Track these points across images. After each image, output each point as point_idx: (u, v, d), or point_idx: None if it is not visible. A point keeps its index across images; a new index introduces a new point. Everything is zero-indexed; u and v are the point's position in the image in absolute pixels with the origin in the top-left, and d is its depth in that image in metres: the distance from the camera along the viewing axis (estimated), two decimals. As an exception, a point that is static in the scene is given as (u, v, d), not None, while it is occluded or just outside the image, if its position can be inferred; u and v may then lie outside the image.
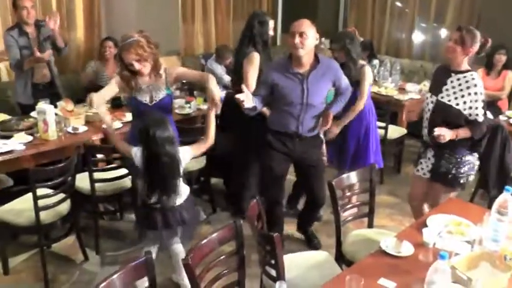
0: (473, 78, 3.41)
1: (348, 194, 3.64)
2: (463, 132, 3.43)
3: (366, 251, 2.90)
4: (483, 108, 3.46)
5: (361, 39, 6.17)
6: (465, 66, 3.48)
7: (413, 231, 2.90)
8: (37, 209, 3.54)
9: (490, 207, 2.80)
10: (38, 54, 4.71)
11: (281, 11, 8.84)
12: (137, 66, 3.40)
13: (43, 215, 3.60)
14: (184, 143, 3.43)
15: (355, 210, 3.69)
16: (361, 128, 4.47)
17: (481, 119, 3.44)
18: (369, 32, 8.11)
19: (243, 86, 3.59)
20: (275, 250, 2.62)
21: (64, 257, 4.12)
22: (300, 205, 4.68)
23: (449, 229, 2.86)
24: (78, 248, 4.07)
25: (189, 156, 3.32)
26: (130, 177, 4.13)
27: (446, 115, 3.43)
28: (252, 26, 4.36)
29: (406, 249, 2.67)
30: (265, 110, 3.96)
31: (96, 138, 4.35)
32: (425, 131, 3.65)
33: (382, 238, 2.86)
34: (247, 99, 3.47)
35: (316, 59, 3.70)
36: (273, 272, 2.73)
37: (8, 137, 4.07)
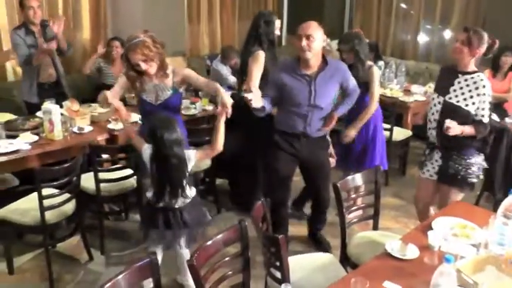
0: (481, 79, 3.40)
1: (353, 195, 3.63)
2: (469, 130, 3.41)
3: (371, 254, 2.90)
4: (489, 109, 3.46)
5: (367, 40, 6.16)
6: (472, 67, 3.48)
7: (419, 233, 2.90)
8: (42, 209, 3.54)
9: (495, 210, 2.79)
10: (44, 45, 4.74)
11: (286, 11, 8.84)
12: (144, 66, 3.40)
13: (48, 214, 3.60)
14: (190, 143, 3.43)
15: (360, 212, 3.68)
16: (369, 129, 4.46)
17: (486, 120, 3.44)
18: (375, 33, 8.11)
19: (250, 85, 3.58)
20: (280, 252, 2.62)
21: (69, 256, 4.12)
22: (306, 208, 4.68)
23: (454, 232, 2.86)
24: (83, 248, 4.08)
25: (193, 160, 3.32)
26: (135, 177, 4.14)
27: (455, 116, 3.41)
28: (258, 26, 4.36)
29: (411, 252, 2.67)
30: (274, 111, 3.96)
31: (101, 138, 4.35)
32: (432, 132, 3.63)
33: (387, 240, 2.85)
34: (256, 98, 3.47)
35: (324, 61, 3.70)
36: (278, 274, 2.73)
37: (14, 137, 4.08)
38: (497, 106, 5.30)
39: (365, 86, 4.23)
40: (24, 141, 4.00)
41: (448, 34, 7.48)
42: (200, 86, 3.69)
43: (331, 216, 4.38)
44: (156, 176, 3.22)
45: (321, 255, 3.33)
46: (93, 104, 4.91)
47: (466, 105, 3.42)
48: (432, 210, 3.85)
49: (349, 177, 3.41)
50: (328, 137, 4.06)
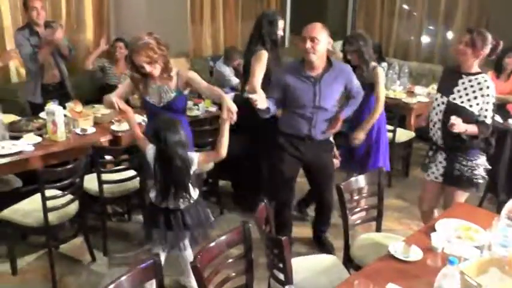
0: (485, 80, 3.40)
1: (356, 197, 3.63)
2: (472, 129, 3.40)
3: (374, 255, 2.89)
4: (493, 110, 3.45)
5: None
6: (476, 68, 3.47)
7: (422, 235, 2.89)
8: (45, 210, 3.55)
9: (499, 211, 2.79)
10: (48, 37, 4.80)
11: (289, 12, 8.84)
12: (148, 68, 3.41)
13: (51, 215, 3.61)
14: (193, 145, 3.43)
15: (363, 213, 3.68)
16: (373, 131, 4.45)
17: (489, 121, 3.44)
18: (377, 34, 8.10)
19: (253, 83, 3.56)
20: (283, 253, 2.62)
21: (72, 258, 4.12)
22: (309, 210, 4.68)
23: (458, 234, 2.85)
24: (86, 249, 4.08)
25: (196, 163, 3.30)
26: (138, 178, 4.15)
27: (459, 116, 3.40)
28: (261, 26, 4.36)
29: (415, 253, 2.66)
30: (279, 113, 3.95)
31: (104, 139, 4.36)
32: (437, 132, 3.62)
33: (390, 242, 2.85)
34: (261, 99, 3.46)
35: (329, 62, 3.69)
36: (281, 276, 2.73)
37: (18, 138, 4.09)
38: (501, 107, 5.29)
39: (370, 87, 4.23)
40: (27, 142, 4.01)
41: (451, 35, 7.47)
42: (203, 91, 3.64)
43: (334, 217, 4.38)
44: (159, 177, 3.22)
45: (324, 257, 3.33)
46: (96, 105, 4.93)
47: (470, 105, 3.41)
48: (436, 212, 3.84)
49: (352, 179, 3.41)
50: (331, 139, 4.06)
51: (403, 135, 5.66)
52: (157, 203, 3.27)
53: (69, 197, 3.73)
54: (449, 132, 3.42)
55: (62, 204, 3.66)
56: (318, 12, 8.57)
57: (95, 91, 5.68)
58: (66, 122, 4.25)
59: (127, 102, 4.88)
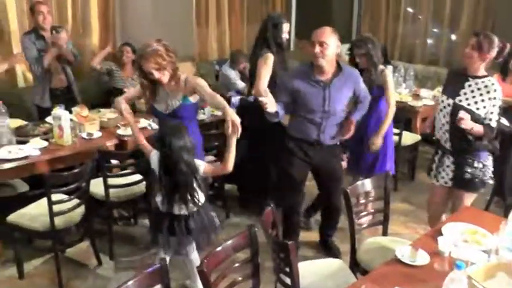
0: (492, 84, 3.40)
1: (363, 201, 3.62)
2: (478, 128, 3.39)
3: (381, 259, 2.89)
4: (498, 114, 3.44)
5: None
6: (482, 71, 3.47)
7: (429, 239, 2.88)
8: (52, 214, 3.56)
9: (506, 215, 2.78)
10: (54, 39, 4.85)
11: (295, 16, 8.84)
12: (156, 75, 3.41)
13: (58, 220, 3.62)
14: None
15: (369, 217, 3.68)
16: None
17: (494, 124, 3.43)
18: (383, 37, 8.09)
19: (259, 86, 3.54)
20: (289, 258, 2.61)
21: (78, 262, 4.13)
22: (314, 219, 4.67)
23: (465, 238, 2.84)
24: (92, 253, 4.08)
25: (201, 172, 3.29)
26: (144, 182, 4.15)
27: None
28: (266, 29, 4.37)
29: (422, 258, 2.65)
30: (285, 120, 3.95)
31: (110, 144, 4.37)
32: (444, 136, 3.61)
33: (396, 246, 2.85)
34: (270, 103, 3.46)
35: (339, 67, 3.69)
36: (288, 280, 2.72)
37: (24, 142, 4.10)
38: (507, 110, 5.26)
39: (378, 89, 4.23)
40: (34, 147, 4.02)
41: (456, 38, 7.45)
42: (207, 99, 3.58)
43: (341, 221, 4.37)
44: (164, 182, 3.22)
45: (331, 261, 3.32)
46: (102, 110, 4.94)
47: (477, 108, 3.41)
48: (444, 217, 3.83)
49: (359, 183, 3.41)
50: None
51: (409, 138, 5.64)
52: (162, 209, 3.27)
53: (76, 201, 3.74)
54: (456, 134, 3.42)
55: (68, 209, 3.67)
56: (323, 16, 8.56)
57: (101, 95, 5.70)
58: (73, 126, 4.26)
59: (133, 106, 4.93)
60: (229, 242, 2.61)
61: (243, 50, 7.22)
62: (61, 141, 4.15)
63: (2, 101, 4.24)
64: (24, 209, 3.83)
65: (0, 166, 3.78)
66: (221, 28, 7.75)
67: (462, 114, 3.32)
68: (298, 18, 8.80)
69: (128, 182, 4.10)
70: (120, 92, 5.16)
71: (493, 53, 3.40)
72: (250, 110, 4.49)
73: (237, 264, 2.68)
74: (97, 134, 4.44)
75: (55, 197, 3.57)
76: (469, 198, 3.64)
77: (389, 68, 6.44)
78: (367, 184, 3.42)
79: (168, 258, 3.33)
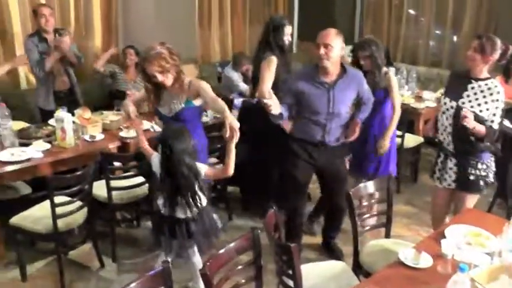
0: (495, 86, 3.40)
1: (365, 203, 3.61)
2: (480, 128, 3.37)
3: (384, 262, 2.89)
4: (500, 116, 3.44)
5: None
6: (485, 73, 3.46)
7: (432, 242, 2.88)
8: (54, 217, 3.56)
9: (508, 217, 2.79)
10: (56, 42, 4.86)
11: (297, 18, 8.84)
12: (160, 77, 3.43)
13: (60, 222, 3.62)
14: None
15: (372, 219, 3.67)
16: None
17: (495, 126, 3.43)
18: (385, 39, 8.07)
19: (262, 89, 3.54)
20: (292, 260, 2.62)
21: (81, 264, 4.13)
22: (317, 224, 4.67)
23: (468, 240, 2.84)
24: (95, 256, 4.08)
25: (202, 175, 3.29)
26: (147, 184, 4.15)
27: None
28: (267, 32, 4.37)
29: (425, 260, 2.65)
30: (285, 124, 3.96)
31: (113, 146, 4.38)
32: (448, 138, 3.60)
33: (399, 249, 2.85)
34: (275, 105, 3.47)
35: (343, 68, 3.70)
36: (290, 283, 2.72)
37: (27, 145, 4.11)
38: (509, 112, 5.26)
39: (384, 92, 4.25)
40: (36, 149, 4.03)
41: (459, 40, 7.44)
42: (208, 102, 3.56)
43: (344, 223, 4.37)
44: (166, 185, 3.22)
45: (334, 263, 3.33)
46: (104, 112, 4.95)
47: (480, 110, 3.40)
48: (447, 219, 3.82)
49: (361, 185, 3.41)
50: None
51: (412, 140, 5.64)
52: (164, 212, 3.27)
53: (78, 203, 3.74)
54: (459, 136, 3.42)
55: (70, 211, 3.67)
56: (326, 18, 8.55)
57: (104, 97, 5.71)
58: (75, 128, 4.27)
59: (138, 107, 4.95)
60: (232, 244, 2.61)
61: (246, 52, 7.24)
62: (64, 143, 4.15)
63: (4, 103, 4.25)
64: (27, 211, 3.84)
65: (3, 168, 3.80)
66: (223, 30, 7.76)
67: (465, 111, 3.32)
68: (301, 20, 8.81)
69: (130, 184, 4.10)
70: (123, 94, 5.17)
71: (496, 55, 3.40)
72: (253, 112, 4.49)
73: (239, 267, 2.68)
74: (99, 136, 4.44)
75: (58, 199, 3.57)
76: (471, 200, 3.64)
77: (392, 70, 6.45)
78: (369, 186, 3.42)
79: (170, 260, 3.33)
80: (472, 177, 3.55)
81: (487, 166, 3.56)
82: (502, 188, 4.65)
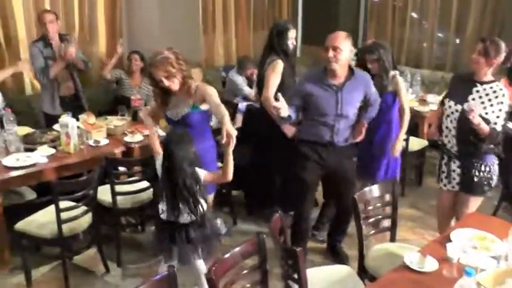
0: (500, 89, 3.40)
1: (370, 207, 3.61)
2: (484, 126, 3.36)
3: (389, 266, 2.88)
4: (504, 119, 3.44)
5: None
6: (489, 77, 3.46)
7: (437, 245, 2.88)
8: (59, 222, 3.57)
9: (514, 221, 2.77)
10: (61, 52, 4.86)
11: (301, 22, 8.85)
12: (166, 82, 3.44)
13: (65, 227, 3.63)
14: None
15: (377, 223, 3.66)
16: (392, 141, 4.42)
17: (499, 128, 3.42)
18: (389, 42, 8.05)
19: (267, 93, 3.54)
20: (298, 264, 2.61)
21: (86, 269, 4.13)
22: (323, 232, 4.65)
23: (473, 244, 2.83)
24: (100, 260, 4.08)
25: (201, 181, 3.27)
26: (152, 189, 4.16)
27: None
28: (272, 37, 4.38)
29: (430, 264, 2.65)
30: (287, 128, 3.95)
31: (117, 151, 4.38)
32: (452, 141, 3.60)
33: (404, 253, 2.84)
34: (283, 107, 3.48)
35: (351, 71, 3.71)
36: (296, 287, 2.72)
37: (32, 150, 4.12)
38: (512, 115, 5.25)
39: (392, 95, 4.26)
40: (41, 154, 4.04)
41: (463, 43, 7.43)
42: (211, 107, 3.55)
43: (350, 227, 4.36)
44: (165, 188, 3.22)
45: (339, 267, 3.32)
46: (109, 117, 4.95)
47: (486, 113, 3.40)
48: (453, 222, 3.81)
49: (366, 189, 3.41)
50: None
51: (416, 143, 5.62)
52: (164, 217, 3.27)
53: (83, 208, 3.75)
54: (463, 139, 3.41)
55: (75, 216, 3.68)
56: (330, 22, 8.55)
57: (108, 103, 5.72)
58: (80, 133, 4.28)
59: (135, 113, 4.98)
60: (237, 248, 2.61)
61: (250, 56, 7.24)
62: (68, 148, 4.17)
63: (10, 108, 4.27)
64: (31, 216, 3.84)
65: (8, 174, 3.82)
66: (228, 34, 7.77)
67: (472, 105, 3.31)
68: (305, 24, 8.82)
69: (135, 189, 4.11)
70: (128, 100, 5.19)
71: (500, 58, 3.40)
72: (257, 117, 4.49)
73: (245, 271, 2.67)
74: (104, 141, 4.45)
75: (63, 204, 3.58)
76: (474, 202, 3.63)
77: (396, 73, 6.44)
78: (374, 190, 3.42)
79: (175, 265, 3.32)
80: (475, 180, 3.55)
81: (490, 168, 3.55)
82: (507, 191, 4.64)
